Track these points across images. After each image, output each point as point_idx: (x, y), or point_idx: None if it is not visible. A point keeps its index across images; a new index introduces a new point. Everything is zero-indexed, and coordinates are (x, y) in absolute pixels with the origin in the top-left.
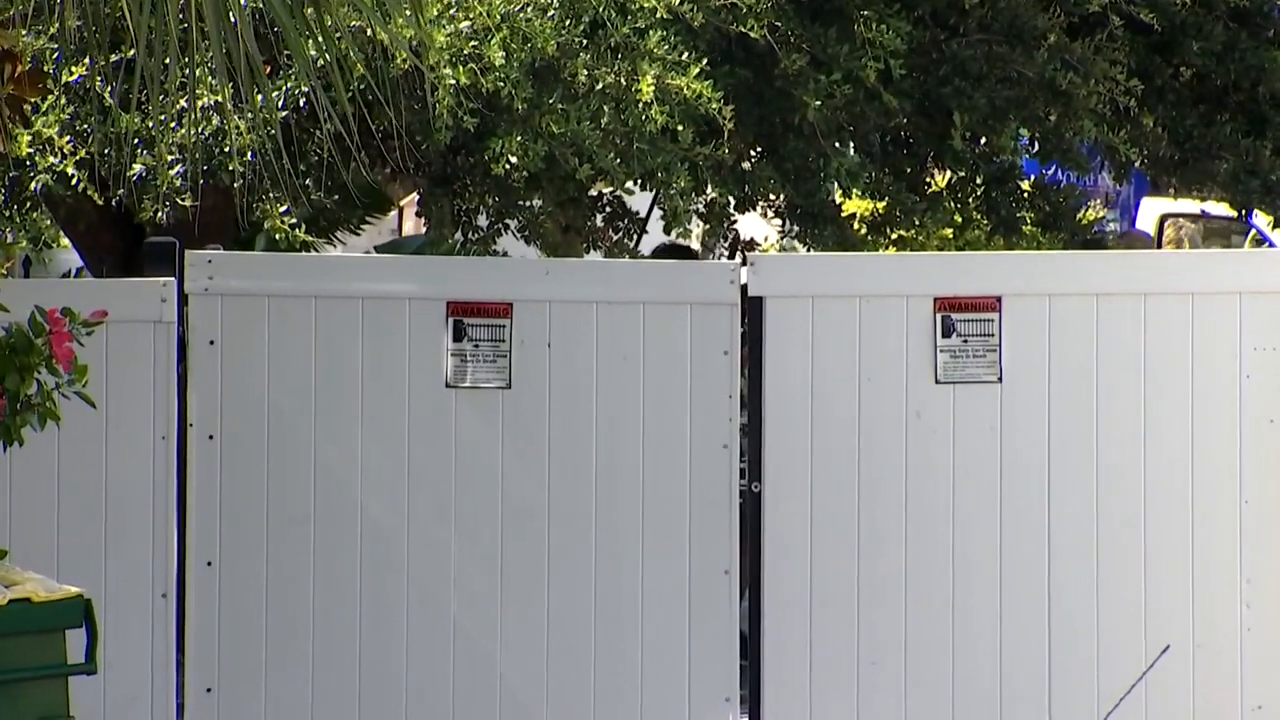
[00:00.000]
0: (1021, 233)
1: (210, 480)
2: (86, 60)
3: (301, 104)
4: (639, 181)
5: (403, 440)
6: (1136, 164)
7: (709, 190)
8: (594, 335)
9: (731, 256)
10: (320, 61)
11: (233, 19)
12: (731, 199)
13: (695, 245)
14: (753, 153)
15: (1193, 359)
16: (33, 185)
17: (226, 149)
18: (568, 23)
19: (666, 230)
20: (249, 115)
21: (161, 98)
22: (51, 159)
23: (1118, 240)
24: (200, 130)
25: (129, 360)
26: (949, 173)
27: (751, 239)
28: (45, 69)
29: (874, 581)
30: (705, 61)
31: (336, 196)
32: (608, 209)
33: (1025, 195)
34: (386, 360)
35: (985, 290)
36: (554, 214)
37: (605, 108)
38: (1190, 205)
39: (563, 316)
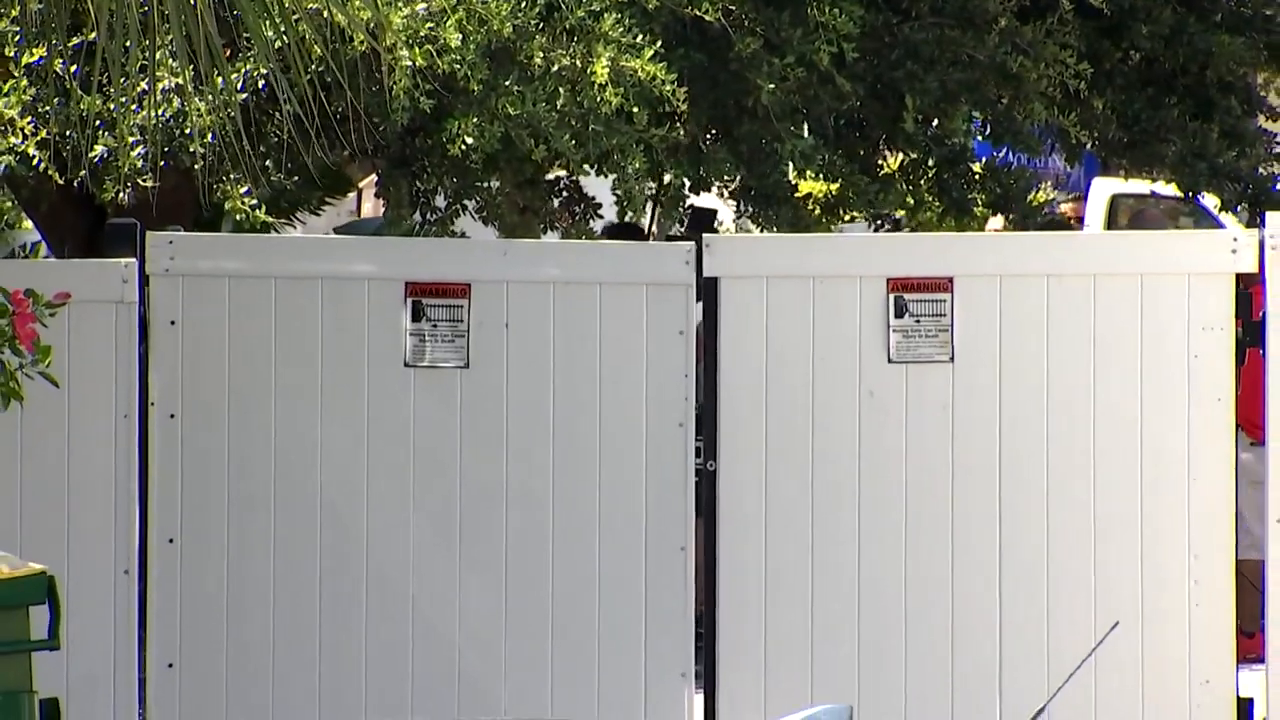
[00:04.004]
0: (973, 214)
1: (172, 458)
2: (48, 43)
3: (261, 86)
4: (594, 164)
5: (362, 419)
6: (1087, 146)
7: (664, 172)
8: (551, 315)
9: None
10: (279, 44)
11: (192, 2)
12: (686, 181)
13: (647, 224)
14: (707, 135)
15: (1142, 339)
16: None
17: (187, 131)
18: (523, 5)
19: (620, 215)
20: (209, 97)
21: (122, 80)
22: (13, 140)
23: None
24: (161, 112)
25: (91, 340)
26: (901, 155)
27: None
28: (6, 52)
29: (828, 558)
30: (660, 44)
31: (296, 178)
32: (564, 193)
33: (977, 177)
34: (345, 340)
35: (937, 271)
36: (511, 195)
37: (561, 90)
38: (1140, 186)
39: (520, 297)
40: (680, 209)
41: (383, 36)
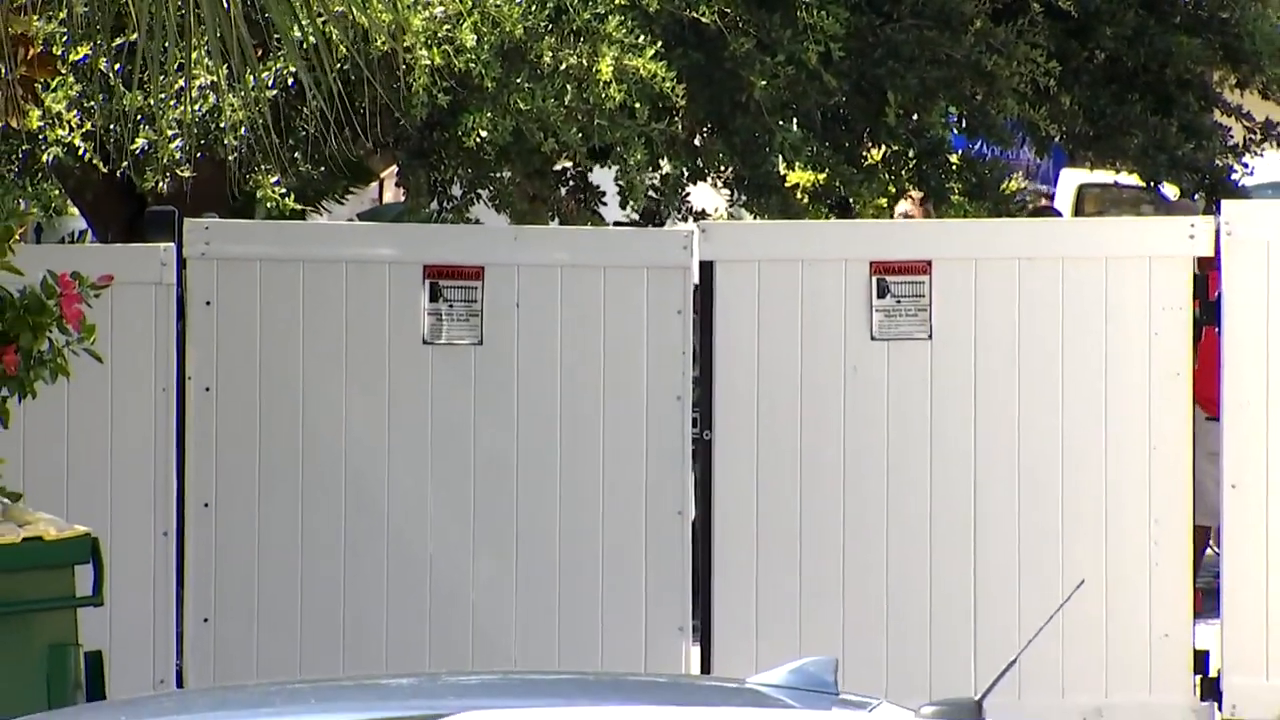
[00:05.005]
0: (950, 202)
1: (207, 429)
2: (93, 43)
3: (290, 84)
4: (599, 156)
5: (383, 392)
6: (1055, 139)
7: (664, 164)
8: (558, 296)
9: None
10: (306, 44)
11: (226, 5)
12: (684, 171)
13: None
14: (704, 129)
15: (1106, 317)
16: (45, 157)
17: (221, 125)
18: (534, 8)
19: (623, 204)
20: (242, 94)
21: (161, 77)
22: (60, 132)
23: (1031, 216)
24: (197, 108)
25: (133, 319)
26: (884, 147)
27: (704, 209)
28: (55, 51)
29: (815, 521)
30: (660, 44)
31: (322, 168)
32: (571, 182)
33: (953, 167)
34: (368, 319)
35: (917, 255)
36: (522, 185)
37: (568, 86)
38: (1105, 177)
39: (530, 279)
40: (678, 196)
41: (402, 37)
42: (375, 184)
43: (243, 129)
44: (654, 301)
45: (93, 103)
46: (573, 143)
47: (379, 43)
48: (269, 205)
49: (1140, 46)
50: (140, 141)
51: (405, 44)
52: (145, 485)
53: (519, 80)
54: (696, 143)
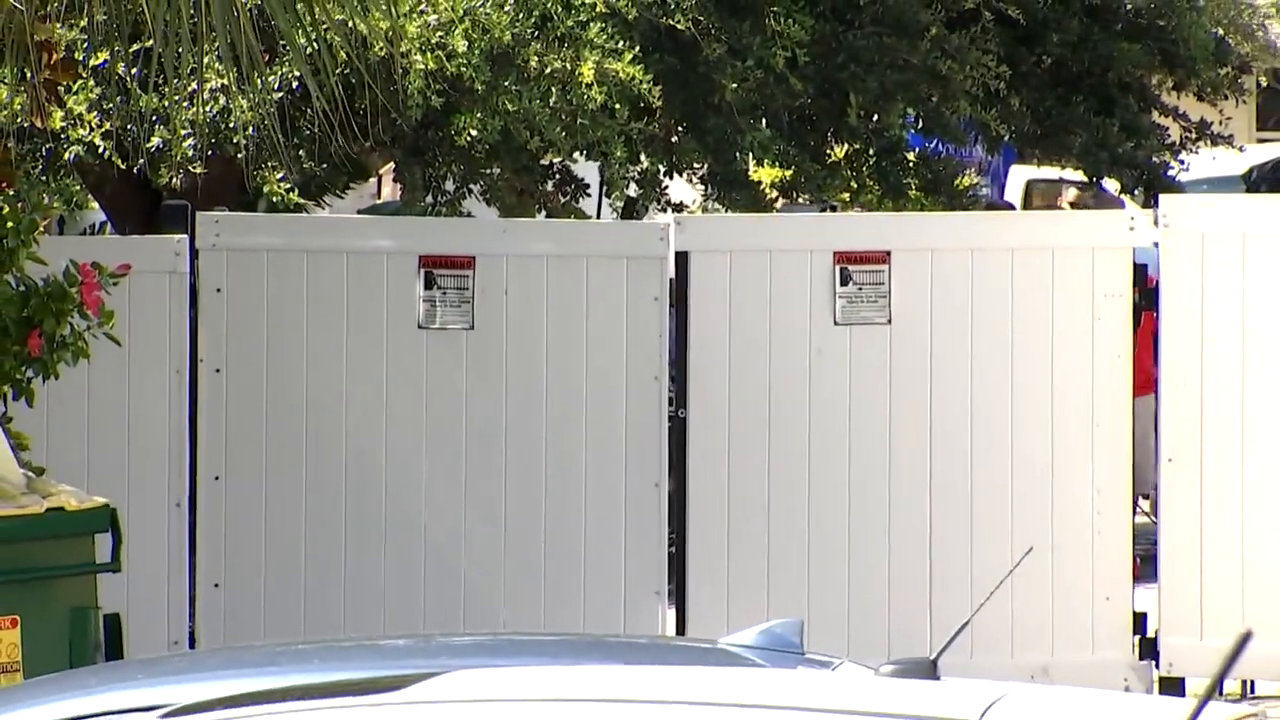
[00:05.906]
0: (908, 196)
1: (217, 407)
2: (111, 49)
3: (294, 87)
4: (583, 152)
5: (381, 373)
6: (1005, 138)
7: (643, 160)
8: (544, 284)
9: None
10: (310, 50)
11: (236, 14)
12: (661, 168)
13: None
14: (679, 128)
15: (1053, 304)
16: (67, 155)
17: (231, 125)
18: (520, 16)
19: (606, 195)
20: (250, 96)
21: (175, 81)
22: (81, 132)
23: (985, 209)
24: (208, 109)
25: (148, 306)
26: (846, 145)
27: (681, 202)
28: (76, 56)
29: (782, 492)
30: (638, 49)
31: (324, 165)
32: (556, 176)
33: (911, 165)
34: (367, 305)
35: (877, 246)
36: (510, 180)
37: (553, 89)
38: (1052, 173)
39: (518, 268)
40: (656, 190)
41: (399, 43)
42: (374, 180)
43: (251, 129)
44: (633, 289)
45: (111, 104)
46: (557, 140)
47: (377, 48)
48: (274, 199)
49: (1084, 52)
50: (155, 140)
51: (401, 50)
52: (160, 459)
53: (507, 83)
54: (672, 141)
